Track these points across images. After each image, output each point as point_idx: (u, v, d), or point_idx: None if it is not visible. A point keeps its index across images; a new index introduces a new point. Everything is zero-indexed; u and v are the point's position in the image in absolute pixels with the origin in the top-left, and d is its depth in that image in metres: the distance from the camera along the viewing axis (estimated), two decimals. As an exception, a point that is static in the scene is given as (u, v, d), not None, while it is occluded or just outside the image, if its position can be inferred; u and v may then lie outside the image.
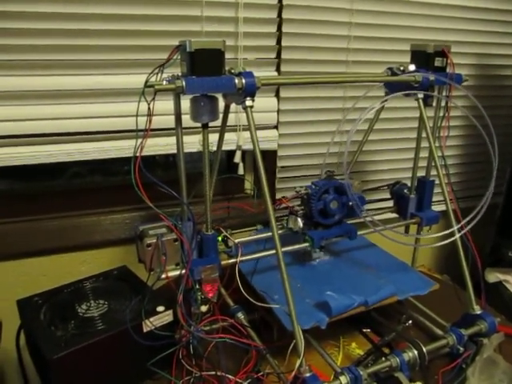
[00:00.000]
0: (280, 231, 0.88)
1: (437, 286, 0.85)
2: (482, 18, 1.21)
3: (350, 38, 1.07)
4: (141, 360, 0.71)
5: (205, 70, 0.62)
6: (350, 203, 0.84)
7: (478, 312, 0.79)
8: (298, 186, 1.14)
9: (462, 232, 0.78)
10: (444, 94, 0.89)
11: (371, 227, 0.84)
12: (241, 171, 1.07)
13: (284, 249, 0.82)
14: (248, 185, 1.15)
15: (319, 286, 0.83)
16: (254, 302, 0.74)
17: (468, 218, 0.76)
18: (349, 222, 0.92)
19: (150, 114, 0.63)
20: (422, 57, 0.86)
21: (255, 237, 0.87)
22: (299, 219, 0.85)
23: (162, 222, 0.73)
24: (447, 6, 1.15)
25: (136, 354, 0.72)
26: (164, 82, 0.62)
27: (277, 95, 1.06)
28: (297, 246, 0.85)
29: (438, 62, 0.86)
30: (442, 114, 0.91)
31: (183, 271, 0.70)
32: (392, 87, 0.87)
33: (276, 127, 1.09)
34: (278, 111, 1.07)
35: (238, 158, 1.05)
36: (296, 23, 1.01)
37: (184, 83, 0.61)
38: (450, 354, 0.79)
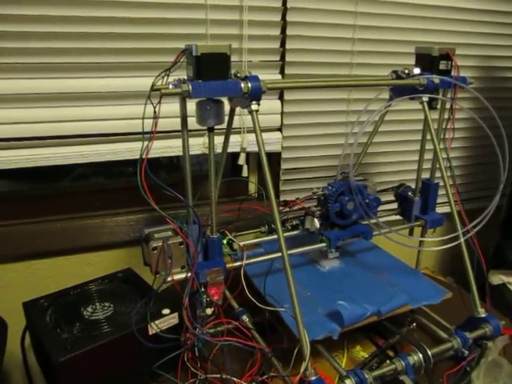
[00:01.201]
0: (296, 232, 0.89)
1: (450, 294, 0.83)
2: (487, 20, 1.21)
3: (354, 40, 1.07)
4: (146, 362, 0.71)
5: (211, 74, 0.62)
6: (367, 201, 0.84)
7: (483, 315, 0.79)
8: (301, 187, 1.16)
9: (468, 235, 0.78)
10: (449, 96, 0.89)
11: (376, 229, 0.84)
12: (245, 173, 1.07)
13: (301, 249, 0.83)
14: (252, 187, 1.16)
15: (330, 295, 0.82)
16: (261, 305, 0.74)
17: (475, 222, 0.76)
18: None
19: (156, 117, 0.63)
20: (427, 60, 0.86)
21: (260, 239, 0.88)
22: (316, 220, 0.86)
23: (167, 225, 0.73)
24: (451, 9, 1.15)
25: (141, 357, 0.72)
26: (170, 86, 0.62)
27: (281, 97, 1.06)
28: (313, 247, 0.86)
29: (442, 65, 0.86)
30: (446, 117, 0.91)
31: (189, 274, 0.70)
32: (397, 90, 0.87)
33: (280, 129, 1.09)
34: (282, 113, 1.07)
35: (242, 160, 1.05)
36: (300, 26, 1.01)
37: (190, 87, 0.61)
38: (454, 357, 0.79)
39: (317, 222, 0.86)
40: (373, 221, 0.85)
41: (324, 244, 0.86)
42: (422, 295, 0.83)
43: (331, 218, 0.85)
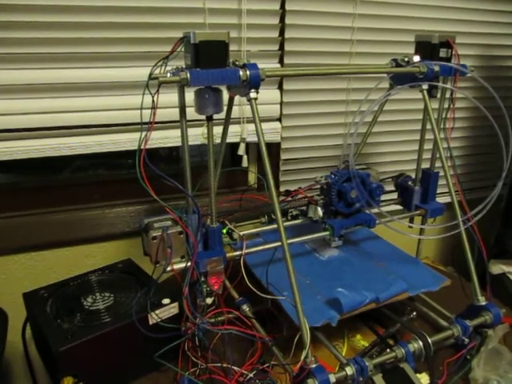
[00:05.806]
0: (299, 221, 0.90)
1: (448, 281, 0.83)
2: (487, 9, 1.20)
3: (354, 29, 1.06)
4: (147, 352, 0.71)
5: (209, 61, 0.62)
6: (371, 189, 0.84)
7: (483, 303, 0.79)
8: (301, 178, 1.16)
9: (469, 224, 0.78)
10: (449, 85, 0.89)
11: (377, 219, 0.83)
12: (245, 164, 1.07)
13: (303, 238, 0.83)
14: (252, 177, 1.15)
15: (329, 282, 0.82)
16: (261, 294, 0.74)
17: (476, 210, 0.75)
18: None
19: (154, 107, 0.63)
20: (427, 48, 0.85)
21: (260, 229, 0.88)
22: (319, 208, 0.86)
23: (167, 215, 0.73)
24: (452, -4, 1.14)
25: (142, 347, 0.72)
26: (168, 75, 0.61)
27: (280, 87, 1.06)
28: (316, 235, 0.85)
29: (442, 53, 0.85)
30: (446, 106, 0.90)
31: (189, 264, 0.70)
32: (396, 79, 0.87)
33: (279, 120, 1.08)
34: (281, 103, 1.06)
35: (241, 151, 1.04)
36: (299, 15, 1.00)
37: (188, 75, 0.60)
38: (455, 345, 0.79)
39: (320, 211, 0.86)
40: (374, 210, 0.84)
41: (327, 232, 0.86)
42: (421, 282, 0.83)
43: (335, 206, 0.85)
